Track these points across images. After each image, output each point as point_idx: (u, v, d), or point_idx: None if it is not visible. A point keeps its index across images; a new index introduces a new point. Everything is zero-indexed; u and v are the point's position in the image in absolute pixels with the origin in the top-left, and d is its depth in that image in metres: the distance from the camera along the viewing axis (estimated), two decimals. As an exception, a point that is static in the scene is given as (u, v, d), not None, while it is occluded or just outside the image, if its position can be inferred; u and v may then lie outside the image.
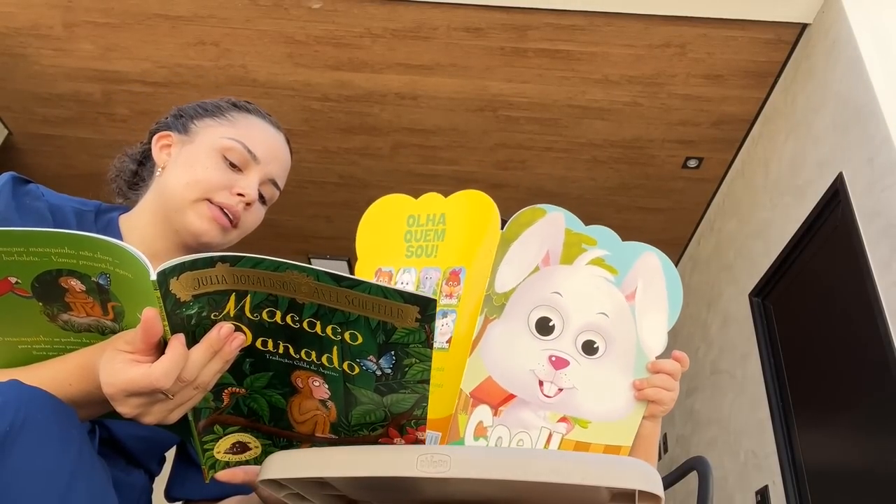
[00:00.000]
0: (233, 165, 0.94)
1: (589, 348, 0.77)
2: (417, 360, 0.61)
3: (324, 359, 0.63)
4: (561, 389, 0.75)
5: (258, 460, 0.73)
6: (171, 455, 0.98)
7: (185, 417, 0.65)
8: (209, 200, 0.91)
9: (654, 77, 2.88)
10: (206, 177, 0.92)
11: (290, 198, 3.77)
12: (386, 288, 0.57)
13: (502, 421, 0.75)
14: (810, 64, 2.62)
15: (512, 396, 0.77)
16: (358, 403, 0.65)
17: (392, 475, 0.59)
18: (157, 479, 0.98)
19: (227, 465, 0.73)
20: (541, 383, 0.75)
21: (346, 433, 0.69)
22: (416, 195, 0.92)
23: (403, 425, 0.67)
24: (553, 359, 0.77)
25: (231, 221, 0.93)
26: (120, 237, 0.91)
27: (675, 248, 3.94)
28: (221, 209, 0.92)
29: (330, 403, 0.66)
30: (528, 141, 3.30)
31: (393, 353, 0.61)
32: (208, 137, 0.95)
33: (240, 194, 0.93)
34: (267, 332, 0.63)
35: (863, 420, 2.22)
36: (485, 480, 0.58)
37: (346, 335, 0.60)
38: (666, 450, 3.93)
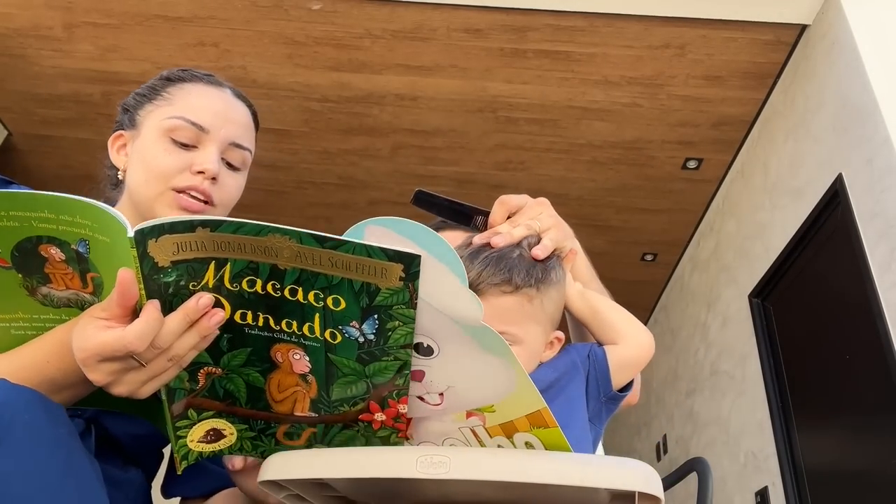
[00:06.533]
0: (184, 145, 0.88)
1: (422, 349, 0.65)
2: (401, 323, 0.60)
3: (305, 328, 0.62)
4: (442, 393, 0.67)
5: (232, 449, 0.72)
6: (167, 452, 0.98)
7: (158, 401, 0.64)
8: (174, 190, 0.86)
9: (653, 78, 2.88)
10: (158, 166, 0.87)
11: (290, 198, 3.77)
12: (370, 246, 0.56)
13: (420, 439, 0.70)
14: (810, 65, 2.62)
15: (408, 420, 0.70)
16: (339, 375, 0.64)
17: (392, 476, 0.59)
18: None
19: (201, 455, 0.72)
20: (420, 398, 0.68)
21: (327, 410, 0.67)
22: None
23: (385, 398, 0.66)
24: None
25: (205, 202, 0.88)
26: None
27: (675, 249, 3.94)
28: (188, 194, 0.86)
29: (310, 377, 0.65)
30: (528, 142, 3.30)
31: (376, 316, 0.60)
32: (151, 124, 0.91)
33: (200, 172, 0.87)
34: (246, 303, 0.61)
35: (862, 421, 2.22)
36: (484, 482, 0.58)
37: (329, 300, 0.60)
38: (665, 451, 3.93)
